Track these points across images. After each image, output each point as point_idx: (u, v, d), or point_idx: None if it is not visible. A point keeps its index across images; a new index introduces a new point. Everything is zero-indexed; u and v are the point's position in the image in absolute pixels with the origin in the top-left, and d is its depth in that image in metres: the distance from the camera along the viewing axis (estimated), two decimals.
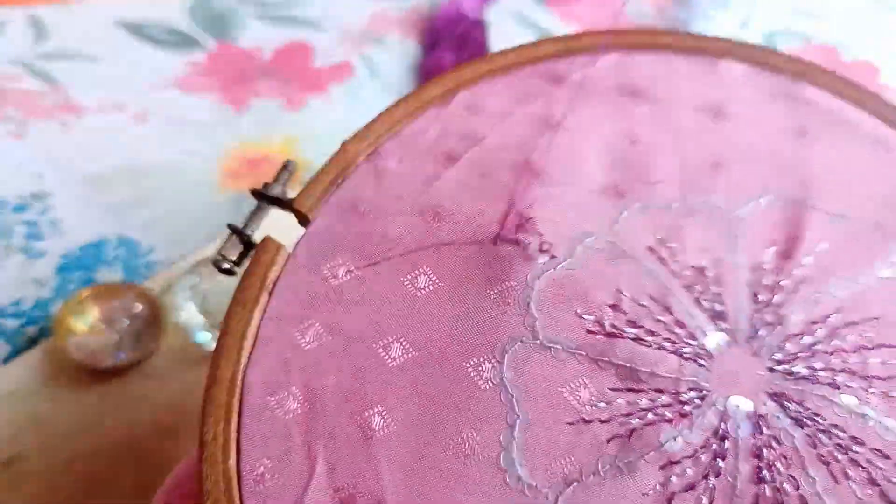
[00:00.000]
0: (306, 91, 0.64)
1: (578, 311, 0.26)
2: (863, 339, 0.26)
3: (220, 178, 0.58)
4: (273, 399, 0.26)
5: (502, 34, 0.69)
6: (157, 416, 0.47)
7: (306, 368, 0.26)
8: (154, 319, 0.50)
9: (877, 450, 0.25)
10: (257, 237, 0.29)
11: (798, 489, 0.24)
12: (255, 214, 0.29)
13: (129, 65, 0.65)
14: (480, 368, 0.25)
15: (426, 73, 0.65)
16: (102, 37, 0.66)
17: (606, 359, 0.25)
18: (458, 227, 0.28)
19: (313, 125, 0.62)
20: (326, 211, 0.29)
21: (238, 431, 0.25)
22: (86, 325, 0.49)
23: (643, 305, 0.26)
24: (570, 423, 0.25)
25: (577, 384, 0.25)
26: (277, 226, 0.29)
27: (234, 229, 0.29)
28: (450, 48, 0.66)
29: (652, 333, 0.26)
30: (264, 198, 0.30)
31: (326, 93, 0.64)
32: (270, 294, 0.27)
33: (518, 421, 0.25)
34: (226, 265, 0.28)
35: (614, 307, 0.26)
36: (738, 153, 0.30)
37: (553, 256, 0.27)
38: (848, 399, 0.25)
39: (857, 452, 0.24)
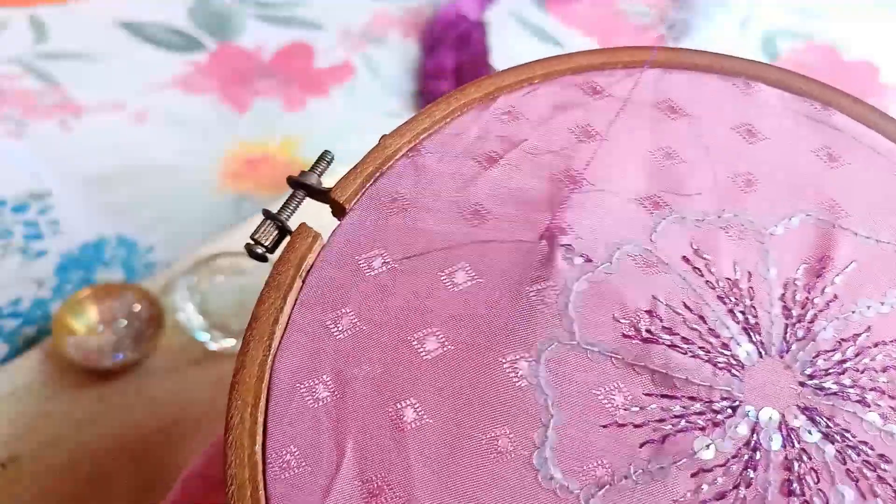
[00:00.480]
0: (306, 92, 0.64)
1: (615, 315, 0.26)
2: (891, 359, 0.27)
3: (219, 179, 0.58)
4: (303, 386, 0.25)
5: (502, 35, 0.69)
6: (156, 416, 0.47)
7: (338, 357, 0.26)
8: (153, 319, 0.50)
9: None
10: (291, 225, 0.29)
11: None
12: (289, 202, 0.30)
13: (129, 65, 0.65)
14: (516, 366, 0.25)
15: (427, 74, 0.65)
16: (102, 37, 0.66)
17: (642, 364, 0.26)
18: (498, 227, 0.28)
19: (313, 126, 0.62)
20: (364, 203, 0.29)
21: (265, 417, 0.25)
22: (85, 325, 0.49)
23: (678, 313, 0.27)
24: (604, 426, 0.25)
25: (612, 387, 0.25)
26: (308, 217, 0.29)
27: (268, 215, 0.29)
28: (450, 49, 0.66)
29: (687, 341, 0.26)
30: (300, 186, 0.30)
31: (327, 93, 0.64)
32: (304, 281, 0.27)
33: (552, 421, 0.25)
34: (259, 250, 0.28)
35: (650, 313, 0.26)
36: (771, 172, 0.30)
37: (591, 261, 0.27)
38: (875, 417, 0.26)
39: (884, 470, 0.25)
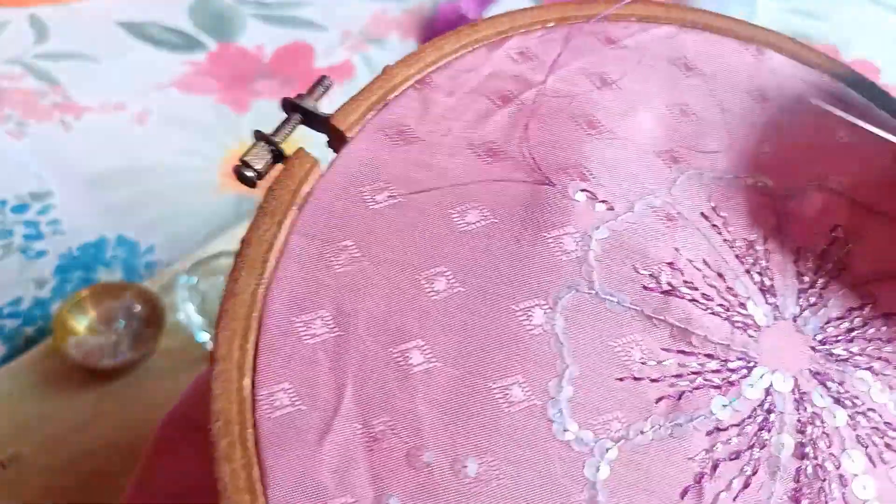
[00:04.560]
0: None
1: (636, 265, 0.25)
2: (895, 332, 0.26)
3: (219, 179, 0.58)
4: (299, 320, 0.23)
5: None
6: (156, 416, 0.47)
7: (339, 292, 0.24)
8: (153, 319, 0.50)
9: None
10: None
11: (838, 468, 0.24)
12: (283, 126, 0.27)
13: (129, 65, 0.65)
14: (531, 313, 0.24)
15: None
16: (102, 37, 0.66)
17: (661, 317, 0.25)
18: (514, 167, 0.26)
19: None
20: (367, 132, 0.27)
21: (256, 351, 0.23)
22: (85, 325, 0.49)
23: (698, 269, 0.26)
24: (620, 379, 0.24)
25: (630, 340, 0.24)
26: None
27: (262, 136, 0.27)
28: None
29: (706, 297, 0.25)
30: (296, 109, 0.27)
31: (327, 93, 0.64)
32: (300, 210, 0.25)
33: (567, 371, 0.23)
34: (249, 173, 0.26)
35: (672, 265, 0.26)
36: (784, 140, 0.30)
37: (613, 208, 0.26)
38: (882, 387, 0.25)
39: (892, 437, 0.24)
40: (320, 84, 0.28)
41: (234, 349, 0.23)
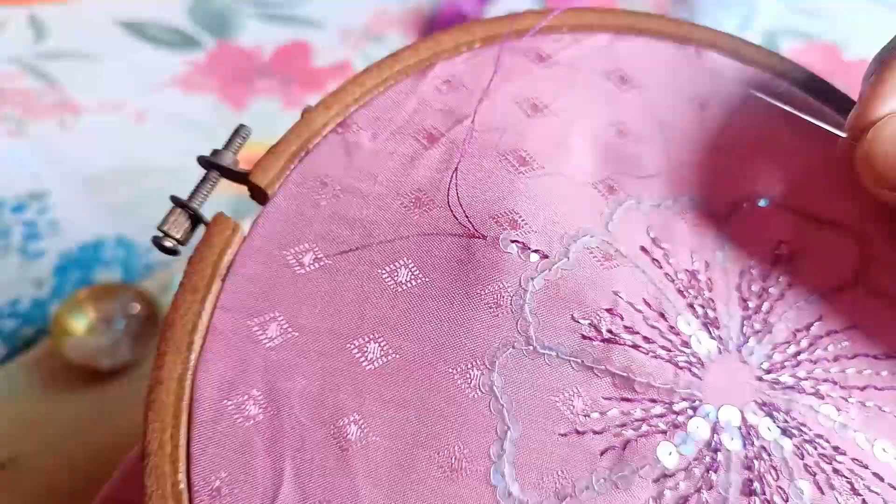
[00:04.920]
0: (306, 90, 0.64)
1: (574, 314, 0.24)
2: (842, 348, 0.26)
3: None
4: (230, 403, 0.22)
5: None
6: None
7: (269, 369, 0.23)
8: (152, 320, 0.50)
9: (856, 459, 0.24)
10: (206, 213, 0.25)
11: (787, 501, 0.23)
12: (201, 186, 0.26)
13: (128, 64, 0.65)
14: (468, 375, 0.23)
15: None
16: (102, 36, 0.66)
17: (602, 367, 0.24)
18: (443, 217, 0.25)
19: None
20: (289, 187, 0.25)
21: (188, 440, 0.22)
22: (83, 325, 0.49)
23: (639, 310, 0.25)
24: (563, 435, 0.23)
25: (571, 393, 0.23)
26: (226, 201, 0.25)
27: (178, 202, 0.25)
28: None
29: (648, 340, 0.25)
30: (214, 167, 0.26)
31: (326, 92, 0.64)
32: (223, 281, 0.24)
33: (509, 432, 0.23)
34: (169, 243, 0.25)
35: (611, 311, 0.25)
36: (725, 150, 0.29)
37: (547, 256, 0.25)
38: (829, 409, 0.25)
39: (840, 462, 0.24)
40: (238, 134, 0.27)
41: (165, 441, 0.22)
